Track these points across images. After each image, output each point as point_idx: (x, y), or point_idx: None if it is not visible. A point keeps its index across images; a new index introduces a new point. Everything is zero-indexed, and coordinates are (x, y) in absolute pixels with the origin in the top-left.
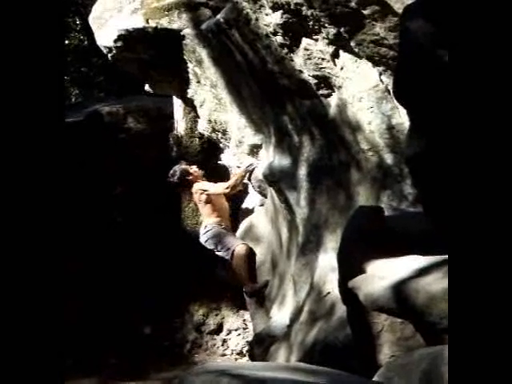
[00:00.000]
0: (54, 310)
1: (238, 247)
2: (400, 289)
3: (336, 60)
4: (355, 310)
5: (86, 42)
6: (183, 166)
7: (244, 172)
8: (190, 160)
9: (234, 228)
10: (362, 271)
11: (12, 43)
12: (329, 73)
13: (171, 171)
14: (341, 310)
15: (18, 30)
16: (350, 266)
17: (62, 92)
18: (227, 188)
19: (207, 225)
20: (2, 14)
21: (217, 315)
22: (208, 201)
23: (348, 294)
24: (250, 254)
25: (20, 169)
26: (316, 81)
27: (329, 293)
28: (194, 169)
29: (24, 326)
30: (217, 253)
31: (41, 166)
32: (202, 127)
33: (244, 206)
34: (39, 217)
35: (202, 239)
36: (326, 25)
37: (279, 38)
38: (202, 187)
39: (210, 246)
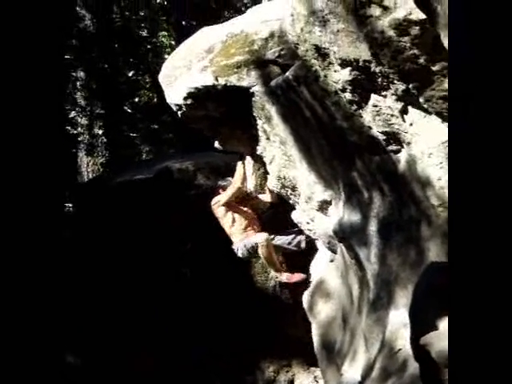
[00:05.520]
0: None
1: (258, 239)
2: None
3: (405, 116)
4: (428, 366)
5: (155, 100)
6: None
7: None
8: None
9: (304, 283)
10: (435, 328)
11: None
12: (398, 129)
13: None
14: (413, 366)
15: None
16: (422, 323)
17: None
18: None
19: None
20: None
21: (287, 372)
22: (226, 211)
23: (420, 351)
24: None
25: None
26: (385, 137)
27: (400, 349)
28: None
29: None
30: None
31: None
32: (272, 184)
33: (314, 261)
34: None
35: (240, 254)
36: (395, 81)
37: (348, 95)
38: (216, 199)
39: (246, 255)
